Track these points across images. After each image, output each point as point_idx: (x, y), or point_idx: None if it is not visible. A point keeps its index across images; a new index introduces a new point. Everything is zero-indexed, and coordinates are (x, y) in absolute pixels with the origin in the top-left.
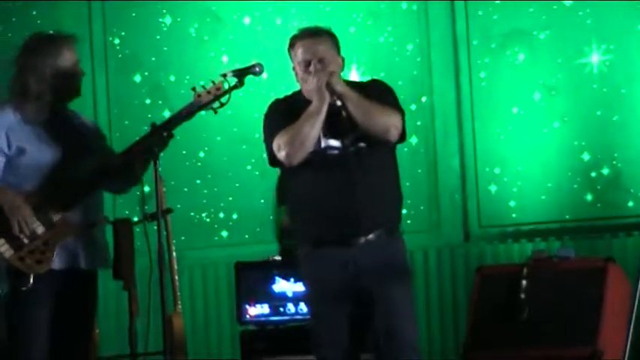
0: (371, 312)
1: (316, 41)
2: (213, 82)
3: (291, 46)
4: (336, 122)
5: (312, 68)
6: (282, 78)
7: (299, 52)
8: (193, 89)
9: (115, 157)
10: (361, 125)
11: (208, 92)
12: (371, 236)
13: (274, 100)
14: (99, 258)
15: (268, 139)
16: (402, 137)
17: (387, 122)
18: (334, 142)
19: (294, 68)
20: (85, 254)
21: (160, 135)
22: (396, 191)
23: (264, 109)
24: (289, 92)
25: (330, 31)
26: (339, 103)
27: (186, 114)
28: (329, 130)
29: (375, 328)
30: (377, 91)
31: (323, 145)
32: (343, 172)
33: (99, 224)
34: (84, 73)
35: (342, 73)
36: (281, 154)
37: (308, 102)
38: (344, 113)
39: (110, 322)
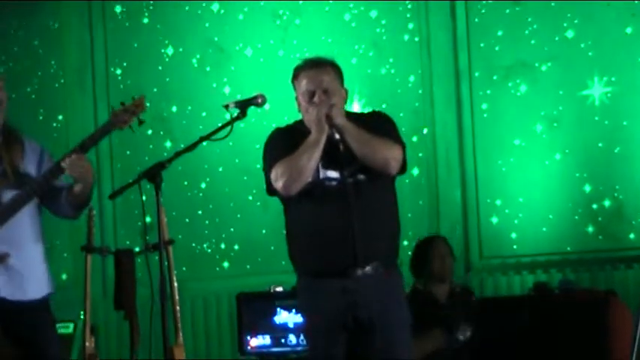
0: (368, 343)
1: (320, 72)
2: (133, 98)
3: (295, 76)
4: (335, 154)
5: (316, 99)
6: (284, 109)
7: (303, 82)
8: (113, 108)
9: (31, 181)
10: (361, 158)
11: (125, 110)
12: (368, 268)
13: (275, 129)
14: (19, 287)
15: (267, 168)
16: (403, 169)
17: (386, 155)
18: (333, 174)
19: (296, 98)
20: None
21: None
22: (394, 224)
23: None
24: (291, 123)
25: (334, 62)
26: (337, 135)
27: (101, 134)
28: (328, 161)
29: (373, 359)
30: (378, 123)
31: (322, 176)
32: (341, 204)
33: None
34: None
35: (345, 105)
36: (278, 184)
37: (309, 132)
38: (341, 146)
39: (111, 353)
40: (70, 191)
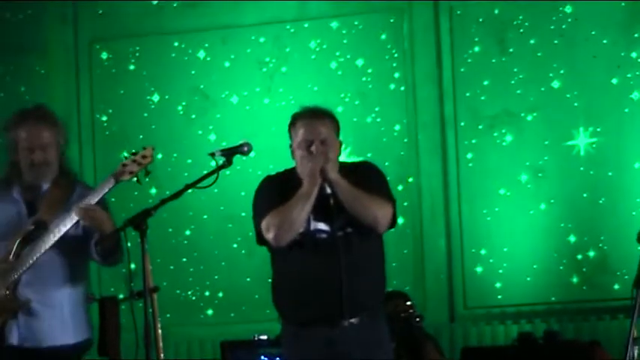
0: None
1: (319, 122)
2: (139, 150)
3: (292, 124)
4: (326, 207)
5: (313, 149)
6: (269, 157)
7: (300, 131)
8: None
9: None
10: (351, 213)
11: (134, 161)
12: (354, 320)
13: (266, 177)
14: (35, 336)
15: (257, 217)
16: (392, 225)
17: (376, 214)
18: (323, 226)
19: (291, 146)
20: (17, 331)
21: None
22: (381, 276)
23: (252, 188)
24: (275, 171)
25: (332, 114)
26: (329, 189)
27: (111, 185)
28: (318, 213)
29: None
30: (369, 176)
31: (312, 227)
32: (330, 256)
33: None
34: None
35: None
36: (269, 235)
37: (300, 181)
38: (332, 200)
39: None
40: (96, 240)
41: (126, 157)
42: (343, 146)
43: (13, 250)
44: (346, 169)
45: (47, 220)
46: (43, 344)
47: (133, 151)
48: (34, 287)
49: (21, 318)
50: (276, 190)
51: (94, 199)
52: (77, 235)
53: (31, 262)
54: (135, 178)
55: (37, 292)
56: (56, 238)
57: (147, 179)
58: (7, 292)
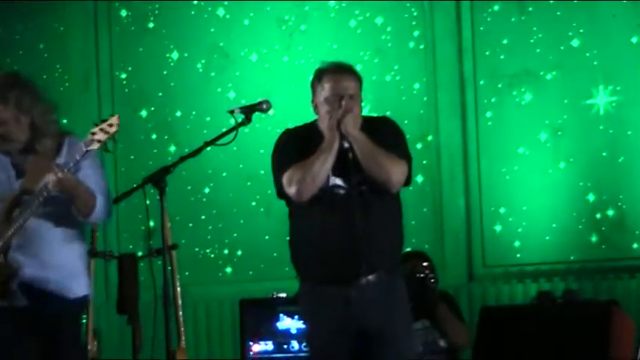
0: (372, 351)
1: (347, 78)
2: (106, 118)
3: (318, 79)
4: (344, 162)
5: (343, 103)
6: (288, 115)
7: (327, 86)
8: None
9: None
10: (365, 170)
11: (101, 129)
12: (371, 277)
13: (285, 130)
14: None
15: (278, 171)
16: (407, 183)
17: (389, 173)
18: (340, 182)
19: (313, 100)
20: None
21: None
22: (398, 234)
23: (271, 146)
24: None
25: (356, 70)
26: (346, 144)
27: (82, 154)
28: (336, 168)
29: None
30: (387, 133)
31: (330, 183)
32: (347, 213)
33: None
34: None
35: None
36: (291, 190)
37: (320, 135)
38: (350, 155)
39: (114, 357)
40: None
41: (95, 125)
42: (363, 104)
43: (2, 215)
44: (365, 122)
45: (32, 186)
46: (46, 305)
47: (102, 119)
48: (28, 251)
49: (19, 281)
50: (296, 144)
51: (64, 170)
52: (62, 196)
53: (17, 226)
54: (104, 148)
55: (32, 256)
56: (41, 201)
57: (113, 145)
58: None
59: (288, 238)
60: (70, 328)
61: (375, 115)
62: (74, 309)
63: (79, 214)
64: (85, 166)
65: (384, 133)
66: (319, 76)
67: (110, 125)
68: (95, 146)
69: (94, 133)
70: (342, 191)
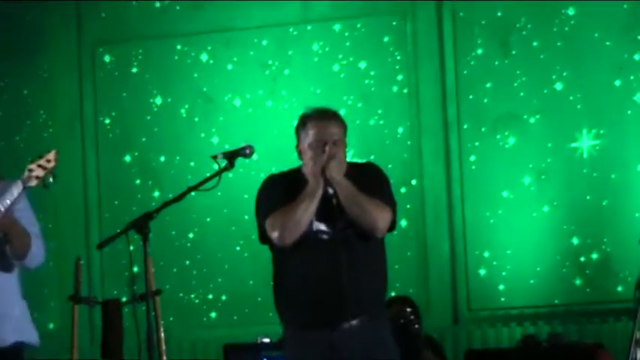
0: None
1: (331, 123)
2: (43, 154)
3: (303, 124)
4: (328, 207)
5: (326, 149)
6: (272, 160)
7: (311, 132)
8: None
9: None
10: (350, 216)
11: (39, 166)
12: (355, 322)
13: (269, 175)
14: None
15: (261, 216)
16: (392, 228)
17: (375, 218)
18: (324, 227)
19: (297, 147)
20: None
21: None
22: (382, 278)
23: (255, 191)
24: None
25: (341, 116)
26: (331, 190)
27: (19, 191)
28: (320, 213)
29: None
30: (371, 178)
31: (314, 228)
32: (331, 257)
33: None
34: None
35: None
36: (274, 235)
37: (304, 180)
38: (334, 200)
39: None
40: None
41: (31, 162)
42: (347, 149)
43: None
44: (349, 169)
45: None
46: None
47: (36, 156)
48: None
49: None
50: (280, 190)
51: (2, 207)
52: None
53: None
54: (42, 184)
55: None
56: None
57: (52, 182)
58: None
59: (272, 283)
60: None
61: (358, 160)
62: (6, 356)
63: (14, 256)
64: (17, 208)
65: (369, 178)
66: (304, 121)
67: (48, 161)
68: (33, 183)
69: (31, 170)
70: (325, 236)
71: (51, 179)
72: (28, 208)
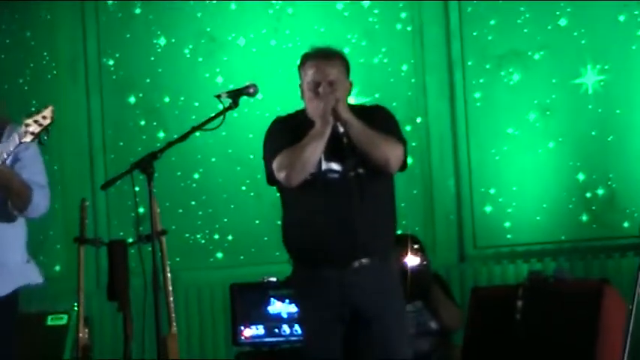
0: (365, 336)
1: (328, 63)
2: (40, 109)
3: (302, 64)
4: (338, 146)
5: (320, 90)
6: (276, 99)
7: (309, 72)
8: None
9: None
10: (363, 153)
11: (35, 121)
12: (365, 261)
13: (276, 117)
14: None
15: (268, 158)
16: (403, 167)
17: (388, 154)
18: (335, 166)
19: (300, 86)
20: None
21: None
22: (392, 217)
23: (259, 130)
24: (283, 113)
25: (343, 54)
26: (341, 129)
27: (15, 144)
28: (330, 153)
29: (369, 351)
30: (381, 119)
31: (324, 167)
32: (342, 197)
33: None
34: None
35: (348, 97)
36: (281, 175)
37: (311, 122)
38: (345, 139)
39: (106, 344)
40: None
41: (27, 115)
42: (351, 87)
43: None
44: (358, 111)
45: None
46: None
47: (33, 109)
48: None
49: None
50: (287, 131)
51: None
52: None
53: None
54: (38, 141)
55: None
56: None
57: (46, 138)
58: None
59: (279, 222)
60: None
61: (362, 98)
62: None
63: (14, 208)
64: (24, 157)
65: (378, 119)
66: (303, 61)
67: (44, 117)
68: (28, 138)
69: (27, 125)
70: (336, 175)
71: (45, 137)
72: (33, 157)
